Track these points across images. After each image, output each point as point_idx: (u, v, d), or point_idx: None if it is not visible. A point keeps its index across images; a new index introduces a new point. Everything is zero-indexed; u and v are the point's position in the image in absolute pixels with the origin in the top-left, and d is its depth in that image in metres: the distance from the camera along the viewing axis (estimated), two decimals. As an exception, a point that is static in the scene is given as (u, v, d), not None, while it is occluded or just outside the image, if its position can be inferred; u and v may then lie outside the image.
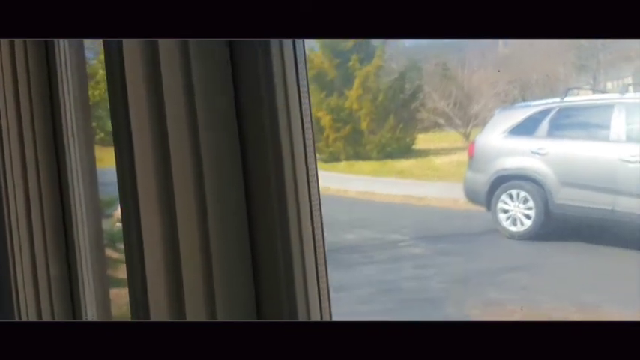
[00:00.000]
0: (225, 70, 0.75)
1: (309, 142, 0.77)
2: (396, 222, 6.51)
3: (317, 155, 0.78)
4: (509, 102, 9.46)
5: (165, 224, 0.73)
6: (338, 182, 7.66)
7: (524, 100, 9.51)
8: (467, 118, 9.82)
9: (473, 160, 6.09)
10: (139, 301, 0.73)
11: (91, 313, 1.39)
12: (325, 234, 0.77)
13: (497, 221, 5.66)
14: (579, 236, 5.28)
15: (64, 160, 1.40)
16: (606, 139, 5.33)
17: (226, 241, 0.74)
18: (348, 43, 11.17)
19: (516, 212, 5.58)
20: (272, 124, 0.74)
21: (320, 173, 0.79)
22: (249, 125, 0.75)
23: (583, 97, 6.48)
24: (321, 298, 0.76)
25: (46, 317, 1.37)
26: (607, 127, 5.46)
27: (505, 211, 5.64)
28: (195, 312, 0.73)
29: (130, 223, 0.75)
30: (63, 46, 1.42)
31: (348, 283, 4.12)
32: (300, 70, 0.77)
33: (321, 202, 0.77)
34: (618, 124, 5.34)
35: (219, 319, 0.73)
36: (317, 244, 0.76)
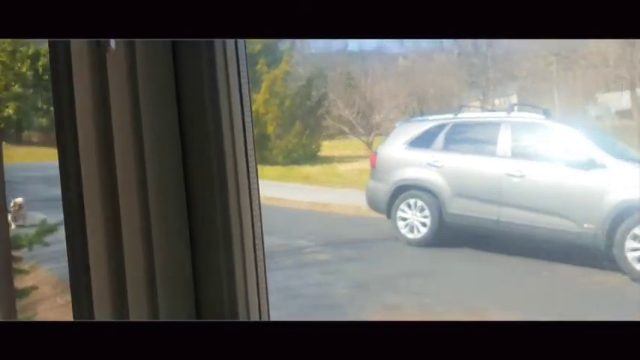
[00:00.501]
0: (168, 72, 0.76)
1: (250, 146, 0.79)
2: (302, 228, 6.65)
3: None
4: (408, 114, 9.95)
5: (110, 228, 0.72)
6: (243, 186, 7.66)
7: (421, 112, 10.03)
8: (369, 127, 10.20)
9: (375, 170, 6.36)
10: (81, 298, 0.72)
11: None
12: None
13: (396, 228, 5.98)
14: (469, 244, 5.70)
15: None
16: (494, 154, 5.80)
17: (168, 243, 0.75)
18: (256, 46, 11.20)
19: (414, 220, 5.92)
20: (216, 127, 0.75)
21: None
22: (193, 128, 0.76)
23: (474, 114, 6.98)
24: (260, 298, 0.78)
25: None
26: (494, 143, 5.94)
27: (404, 219, 5.97)
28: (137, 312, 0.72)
29: (74, 236, 0.72)
30: None
31: (255, 289, 4.21)
32: (242, 73, 0.79)
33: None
34: (504, 140, 5.83)
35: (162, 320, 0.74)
36: (257, 247, 0.78)
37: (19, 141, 11.72)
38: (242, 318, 0.73)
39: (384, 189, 6.10)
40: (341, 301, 4.60)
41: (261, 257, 0.78)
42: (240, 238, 0.74)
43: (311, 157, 10.54)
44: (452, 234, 5.79)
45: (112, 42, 0.72)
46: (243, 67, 0.78)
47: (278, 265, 5.43)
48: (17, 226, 6.06)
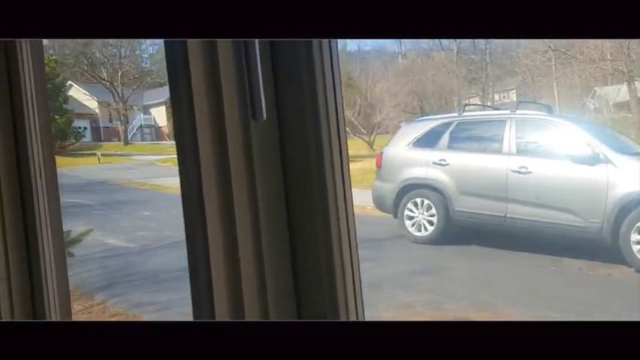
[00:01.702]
0: (268, 74, 0.76)
1: (344, 151, 0.80)
2: (309, 229, 6.69)
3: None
4: (408, 112, 10.03)
5: (227, 233, 0.74)
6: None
7: (422, 110, 10.11)
8: (370, 127, 10.27)
9: (381, 170, 6.41)
10: (202, 303, 0.74)
11: (54, 314, 1.40)
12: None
13: (403, 227, 6.04)
14: (476, 241, 5.76)
15: (27, 161, 1.39)
16: (499, 151, 5.86)
17: (273, 247, 0.76)
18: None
19: (421, 219, 5.98)
20: (315, 129, 0.76)
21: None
22: (293, 136, 0.77)
23: (479, 113, 7.05)
24: (357, 298, 0.80)
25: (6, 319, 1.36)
26: (500, 141, 6.00)
27: (410, 218, 6.03)
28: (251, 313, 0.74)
29: (194, 234, 0.75)
30: (25, 53, 1.39)
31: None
32: (336, 85, 0.79)
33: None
34: (510, 137, 5.89)
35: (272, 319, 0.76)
36: (352, 250, 0.81)
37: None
38: (342, 318, 0.77)
39: (390, 188, 6.16)
40: (354, 301, 4.65)
41: (357, 260, 0.82)
42: (338, 241, 0.78)
43: (315, 158, 10.59)
44: (459, 231, 5.85)
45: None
46: (336, 70, 0.81)
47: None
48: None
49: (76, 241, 3.17)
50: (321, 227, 0.78)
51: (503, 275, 5.11)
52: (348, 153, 0.80)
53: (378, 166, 6.44)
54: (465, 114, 6.41)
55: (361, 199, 7.14)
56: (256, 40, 0.74)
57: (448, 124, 6.22)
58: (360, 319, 0.78)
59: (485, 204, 5.63)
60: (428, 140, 6.19)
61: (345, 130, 0.80)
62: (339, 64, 0.81)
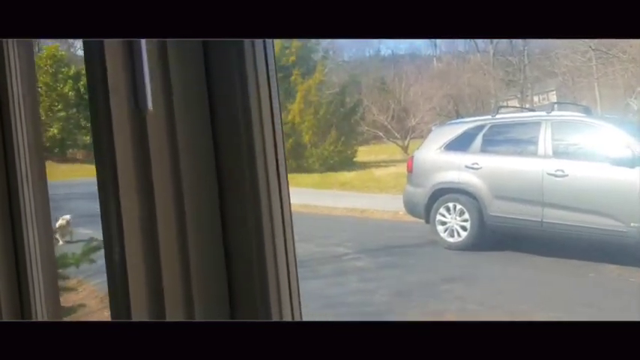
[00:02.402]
0: (200, 72, 0.75)
1: (280, 155, 0.78)
2: (340, 235, 6.63)
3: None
4: (444, 115, 9.88)
5: (145, 229, 0.72)
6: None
7: (458, 113, 9.94)
8: (404, 131, 10.16)
9: (412, 174, 6.31)
10: (120, 303, 0.72)
11: (40, 311, 1.39)
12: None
13: (435, 232, 5.91)
14: (511, 246, 5.59)
15: (14, 170, 1.39)
16: (534, 154, 5.68)
17: (203, 245, 0.75)
18: (290, 57, 11.29)
19: (453, 224, 5.84)
20: (247, 129, 0.74)
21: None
22: (224, 138, 0.75)
23: (513, 115, 6.85)
24: (292, 298, 0.76)
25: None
26: (535, 143, 5.82)
27: (443, 223, 5.90)
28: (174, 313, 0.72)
29: (110, 235, 0.72)
30: (13, 58, 1.40)
31: (295, 298, 4.19)
32: (270, 73, 0.77)
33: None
34: (545, 140, 5.71)
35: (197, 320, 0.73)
36: (288, 248, 0.78)
37: (63, 159, 12.12)
38: (275, 319, 0.73)
39: (421, 193, 6.05)
40: (382, 309, 4.56)
41: (293, 261, 0.78)
42: (272, 240, 0.75)
43: (347, 164, 10.57)
44: (493, 237, 5.68)
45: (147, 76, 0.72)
46: (272, 75, 0.78)
47: (317, 274, 5.43)
48: (65, 242, 6.23)
49: (98, 248, 3.20)
50: (253, 225, 0.73)
51: (540, 282, 4.93)
52: (284, 147, 0.76)
53: (409, 170, 6.34)
54: (498, 116, 6.24)
55: (393, 205, 7.06)
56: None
57: (481, 127, 6.08)
58: (297, 319, 0.73)
59: (521, 208, 5.46)
60: (460, 143, 6.06)
61: (282, 130, 0.76)
62: (275, 65, 0.78)
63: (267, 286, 0.73)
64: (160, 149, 0.72)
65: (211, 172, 0.75)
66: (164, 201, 0.72)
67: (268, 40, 0.79)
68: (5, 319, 1.36)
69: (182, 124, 0.75)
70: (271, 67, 0.77)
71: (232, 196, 0.75)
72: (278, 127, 0.78)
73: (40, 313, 1.38)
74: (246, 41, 0.75)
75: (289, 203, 0.76)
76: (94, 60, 0.73)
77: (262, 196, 0.73)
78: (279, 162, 0.75)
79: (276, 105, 0.76)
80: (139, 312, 0.71)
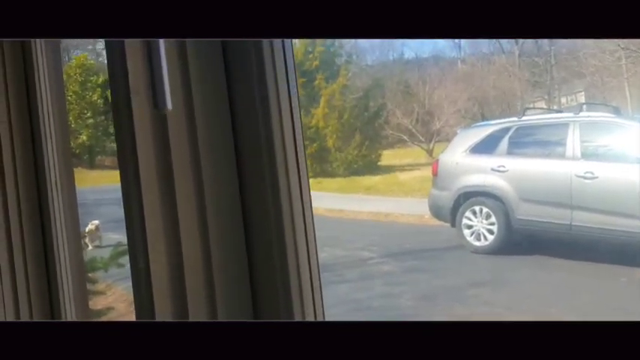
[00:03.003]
0: (220, 76, 0.76)
1: (301, 155, 0.77)
2: (365, 239, 6.61)
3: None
4: (469, 118, 9.77)
5: (169, 232, 0.73)
6: (306, 200, 7.73)
7: (483, 116, 9.82)
8: (429, 135, 10.08)
9: (437, 178, 6.26)
10: (144, 304, 0.73)
11: (70, 314, 1.41)
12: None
13: (462, 236, 5.85)
14: (540, 250, 5.50)
15: (45, 183, 1.42)
16: (562, 156, 5.59)
17: (225, 249, 0.75)
18: (314, 62, 11.33)
19: (480, 227, 5.77)
20: (267, 134, 0.74)
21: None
22: (245, 142, 0.76)
23: (540, 116, 6.75)
24: (315, 299, 0.76)
25: (25, 318, 1.39)
26: (563, 145, 5.72)
27: (469, 227, 5.83)
28: (197, 313, 0.73)
29: (134, 238, 0.74)
30: (42, 68, 1.42)
31: (320, 302, 4.19)
32: (290, 77, 0.77)
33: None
34: (573, 141, 5.61)
35: (220, 320, 0.74)
36: (310, 249, 0.77)
37: (92, 165, 12.35)
38: (298, 318, 0.73)
39: (447, 197, 5.99)
40: (407, 313, 4.53)
41: (315, 261, 0.77)
42: (293, 241, 0.75)
43: (371, 168, 10.54)
44: (521, 240, 5.60)
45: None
46: (291, 75, 0.78)
47: (343, 278, 5.42)
48: (94, 247, 6.34)
49: (126, 253, 3.24)
50: (274, 227, 0.73)
51: (570, 287, 4.84)
52: (304, 151, 0.76)
53: (434, 174, 6.29)
54: (525, 118, 6.16)
55: (418, 209, 7.01)
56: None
57: (507, 129, 6.00)
58: (320, 319, 0.73)
59: (549, 211, 5.37)
60: (486, 146, 6.00)
61: (302, 129, 0.76)
62: (294, 65, 0.78)
63: (290, 288, 0.73)
64: (181, 150, 0.73)
65: (233, 174, 0.75)
66: (186, 203, 0.73)
67: (287, 40, 0.78)
68: (36, 319, 1.39)
69: (203, 126, 0.75)
70: (290, 66, 0.77)
71: (253, 198, 0.76)
72: (298, 126, 0.78)
73: (70, 316, 1.41)
74: (265, 41, 0.75)
75: (310, 203, 0.76)
76: (116, 63, 0.74)
77: (283, 196, 0.74)
78: (300, 161, 0.75)
79: (295, 105, 0.76)
80: (163, 314, 0.71)
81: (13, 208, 1.40)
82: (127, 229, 0.77)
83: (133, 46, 0.72)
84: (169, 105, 0.71)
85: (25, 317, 1.40)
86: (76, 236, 1.50)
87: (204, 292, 0.73)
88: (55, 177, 1.42)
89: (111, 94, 0.75)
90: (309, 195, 0.76)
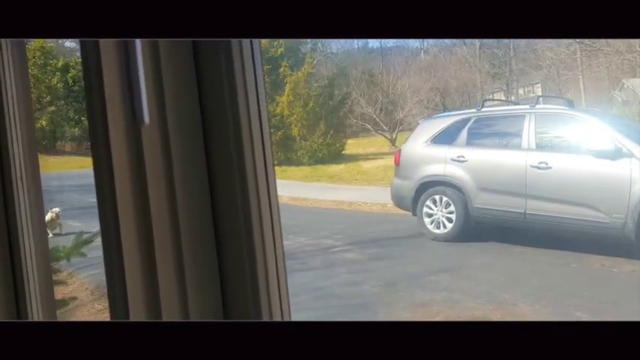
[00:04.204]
0: (190, 73, 0.77)
1: (267, 149, 0.79)
2: (329, 227, 6.70)
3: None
4: (431, 108, 9.95)
5: (141, 229, 0.75)
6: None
7: (444, 106, 10.01)
8: (393, 124, 10.23)
9: (399, 167, 6.39)
10: (118, 305, 0.75)
11: (36, 313, 1.42)
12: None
13: (422, 224, 6.01)
14: (496, 237, 5.70)
15: (8, 164, 1.41)
16: (518, 147, 5.78)
17: (195, 246, 0.76)
18: (279, 49, 11.30)
19: (440, 216, 5.94)
20: (235, 129, 0.76)
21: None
22: (213, 129, 0.78)
23: (498, 108, 6.94)
24: (282, 299, 0.78)
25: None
26: (519, 136, 5.91)
27: (429, 215, 6.00)
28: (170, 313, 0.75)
29: (108, 234, 0.75)
30: (5, 51, 1.41)
31: (285, 290, 4.24)
32: (257, 73, 0.79)
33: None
34: (529, 133, 5.80)
35: (192, 320, 0.76)
36: (277, 248, 0.79)
37: (52, 151, 12.06)
38: (265, 318, 0.78)
39: (408, 186, 6.14)
40: (371, 300, 4.65)
41: (281, 256, 0.82)
42: (261, 237, 0.80)
43: (336, 156, 10.64)
44: (478, 228, 5.79)
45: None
46: (259, 74, 0.82)
47: (307, 265, 5.51)
48: (54, 234, 6.24)
49: (88, 241, 3.25)
50: (243, 224, 0.78)
51: (524, 273, 5.04)
52: (272, 148, 0.81)
53: (397, 163, 6.42)
54: (483, 109, 6.33)
55: (382, 197, 7.14)
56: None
57: (466, 120, 6.16)
58: (286, 319, 0.79)
59: (505, 200, 5.56)
60: (446, 137, 6.15)
61: (269, 129, 0.81)
62: (262, 64, 0.82)
63: (257, 274, 0.77)
64: (152, 144, 0.76)
65: (202, 166, 0.79)
66: (157, 195, 0.76)
67: (255, 40, 0.81)
68: (1, 319, 1.39)
69: (172, 118, 0.77)
70: (257, 58, 0.80)
71: (222, 187, 0.79)
72: (265, 127, 0.81)
73: (35, 307, 1.42)
74: (234, 41, 0.78)
75: (276, 195, 0.81)
76: (92, 68, 0.77)
77: (250, 187, 0.78)
78: (267, 163, 0.79)
79: (262, 97, 0.80)
80: (137, 313, 0.76)
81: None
82: (101, 228, 0.80)
83: (108, 52, 0.75)
84: (145, 110, 0.75)
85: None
86: (42, 226, 1.50)
87: (175, 277, 0.77)
88: (20, 166, 1.42)
89: (86, 98, 0.78)
90: (275, 188, 0.80)
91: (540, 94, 8.64)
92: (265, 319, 0.78)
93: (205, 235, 0.78)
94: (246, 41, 0.80)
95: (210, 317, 0.79)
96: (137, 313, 0.76)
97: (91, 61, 0.77)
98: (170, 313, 0.75)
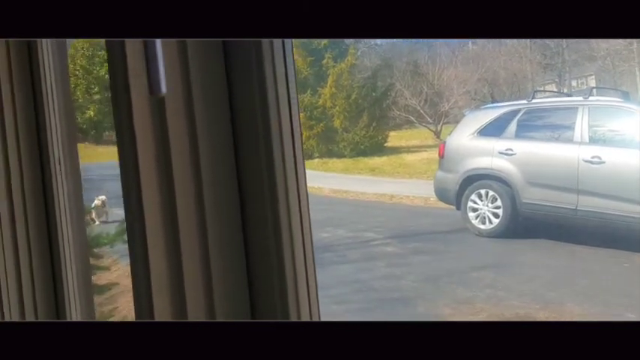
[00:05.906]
0: (220, 72, 0.76)
1: (297, 144, 0.78)
2: (369, 220, 6.61)
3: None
4: (478, 100, 9.68)
5: (168, 227, 0.74)
6: (311, 180, 7.75)
7: (492, 98, 9.73)
8: (437, 116, 10.01)
9: (443, 160, 6.24)
10: (143, 303, 0.74)
11: (75, 313, 1.43)
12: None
13: (466, 219, 5.84)
14: (545, 234, 5.49)
15: (48, 159, 1.42)
16: (570, 140, 5.55)
17: (222, 241, 0.76)
18: (322, 41, 11.23)
19: (485, 211, 5.76)
20: (264, 125, 0.75)
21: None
22: (242, 126, 0.76)
23: (549, 100, 6.68)
24: (310, 299, 0.76)
25: (30, 317, 1.40)
26: (571, 129, 5.67)
27: (474, 210, 5.83)
28: (196, 313, 0.74)
29: (133, 229, 0.75)
30: (45, 45, 1.42)
31: (323, 282, 4.16)
32: (289, 72, 0.77)
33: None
34: (582, 126, 5.56)
35: (218, 320, 0.74)
36: (306, 245, 0.76)
37: (99, 141, 12.39)
38: (293, 318, 0.74)
39: (453, 179, 5.97)
40: (410, 295, 4.55)
41: (311, 255, 0.78)
42: (289, 234, 0.75)
43: (378, 149, 10.50)
44: (526, 224, 5.59)
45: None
46: (289, 59, 0.78)
47: (346, 259, 5.44)
48: (101, 222, 6.39)
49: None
50: (271, 220, 0.74)
51: (573, 271, 4.84)
52: (302, 149, 0.76)
53: (441, 155, 6.27)
54: (534, 101, 6.10)
55: (424, 191, 7.00)
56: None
57: (516, 112, 5.95)
58: (315, 319, 0.74)
59: (555, 195, 5.35)
60: (494, 129, 5.96)
61: (300, 130, 0.76)
62: (293, 61, 0.77)
63: (286, 283, 0.74)
64: (179, 135, 0.74)
65: (231, 161, 0.76)
66: (183, 186, 0.74)
67: None
68: (39, 304, 1.40)
69: (200, 110, 0.75)
70: (288, 48, 0.77)
71: (250, 180, 0.76)
72: (295, 118, 0.78)
73: (73, 296, 1.41)
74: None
75: (306, 190, 0.77)
76: (116, 48, 0.74)
77: (279, 181, 0.74)
78: (297, 154, 0.75)
79: (293, 90, 0.76)
80: (162, 313, 0.73)
81: (16, 184, 1.41)
82: (125, 213, 0.78)
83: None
84: (164, 89, 0.71)
85: (27, 292, 1.41)
86: (80, 214, 1.50)
87: (200, 276, 0.74)
88: (59, 154, 1.42)
89: (109, 77, 0.76)
90: (305, 183, 0.76)
91: (594, 86, 8.27)
92: (293, 319, 0.75)
93: (233, 233, 0.75)
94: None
95: (237, 317, 0.75)
96: (162, 313, 0.74)
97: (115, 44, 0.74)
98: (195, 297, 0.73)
